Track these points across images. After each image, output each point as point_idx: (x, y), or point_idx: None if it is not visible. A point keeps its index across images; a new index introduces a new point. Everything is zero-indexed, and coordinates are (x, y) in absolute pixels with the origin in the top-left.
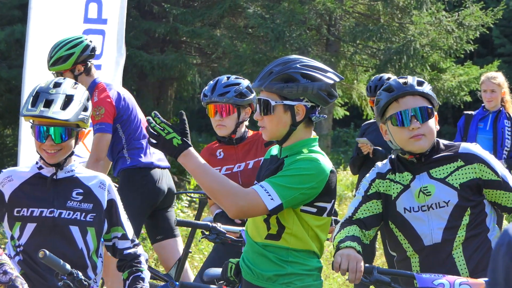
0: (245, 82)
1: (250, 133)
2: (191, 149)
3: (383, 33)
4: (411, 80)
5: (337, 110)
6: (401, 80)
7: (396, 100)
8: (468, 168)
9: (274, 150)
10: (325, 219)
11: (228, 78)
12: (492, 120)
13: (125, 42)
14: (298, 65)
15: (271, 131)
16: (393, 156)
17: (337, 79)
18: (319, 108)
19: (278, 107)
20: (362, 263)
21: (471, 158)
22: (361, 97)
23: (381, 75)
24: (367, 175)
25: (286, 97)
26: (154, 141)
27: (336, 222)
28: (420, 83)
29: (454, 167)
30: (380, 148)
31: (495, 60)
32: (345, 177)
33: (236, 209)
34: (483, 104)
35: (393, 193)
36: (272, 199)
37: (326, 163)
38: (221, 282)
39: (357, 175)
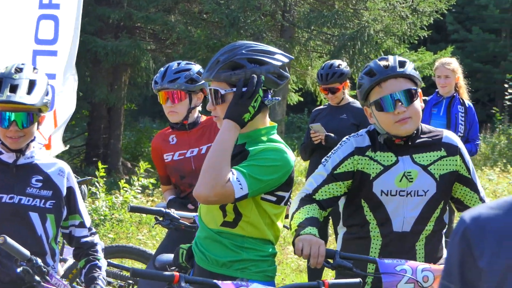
0: (196, 68)
1: (203, 118)
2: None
3: (337, 19)
4: (392, 61)
5: (291, 96)
6: (382, 63)
7: (379, 84)
8: (450, 160)
9: None
10: (282, 208)
11: (178, 64)
12: (446, 105)
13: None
14: (244, 51)
15: None
16: (371, 129)
17: (286, 60)
18: (271, 91)
19: (229, 95)
20: (324, 248)
21: (454, 150)
22: (315, 83)
23: (332, 62)
24: (340, 148)
25: (235, 84)
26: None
27: None
28: (402, 64)
29: (437, 156)
30: (332, 134)
31: (449, 46)
32: (299, 162)
33: (205, 192)
34: (437, 90)
35: (372, 172)
36: (241, 188)
37: (290, 154)
38: (173, 268)
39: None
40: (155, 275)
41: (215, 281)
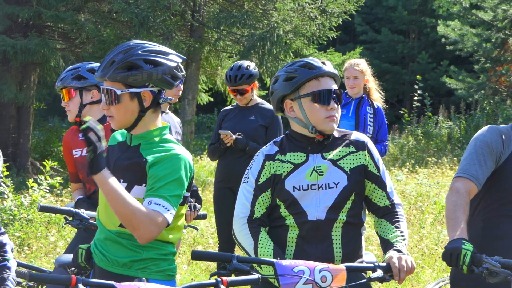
0: (90, 65)
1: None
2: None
3: (247, 19)
4: (328, 63)
5: (201, 96)
6: (319, 61)
7: (317, 78)
8: (359, 154)
9: (119, 135)
10: (185, 207)
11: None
12: (355, 107)
13: None
14: (139, 52)
15: (119, 120)
16: (279, 139)
17: (180, 60)
18: (164, 91)
19: (124, 96)
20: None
21: (361, 146)
22: (225, 83)
23: (240, 63)
24: (253, 162)
25: (131, 85)
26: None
27: (196, 207)
28: (333, 67)
29: (346, 152)
30: (241, 137)
31: (357, 47)
32: (209, 163)
33: (151, 237)
34: (345, 91)
35: (283, 172)
36: (169, 212)
37: (187, 155)
38: (73, 268)
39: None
40: (52, 279)
41: (112, 282)
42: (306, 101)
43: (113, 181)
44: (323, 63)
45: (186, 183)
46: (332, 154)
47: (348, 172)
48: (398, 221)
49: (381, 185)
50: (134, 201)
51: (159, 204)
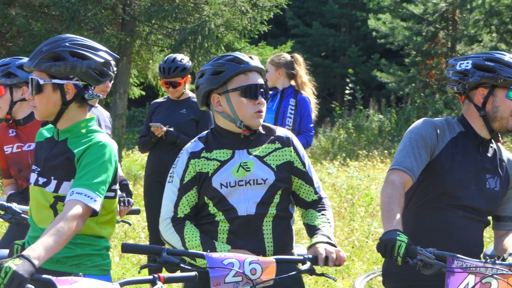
0: (19, 61)
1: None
2: (31, 252)
3: (178, 13)
4: (255, 58)
5: (133, 89)
6: (245, 55)
7: (245, 72)
8: (284, 151)
9: (45, 132)
10: (116, 201)
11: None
12: (279, 99)
13: None
14: (67, 44)
15: (41, 111)
16: (204, 135)
17: (110, 58)
18: (92, 87)
19: (47, 86)
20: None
21: (286, 142)
22: (157, 77)
23: (174, 55)
24: (178, 161)
25: (54, 75)
26: None
27: (130, 202)
28: (260, 63)
29: (272, 148)
30: (172, 129)
31: (289, 40)
32: (140, 157)
33: (78, 230)
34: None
35: (210, 170)
36: (95, 200)
37: (113, 144)
38: None
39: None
40: None
41: (49, 277)
42: (234, 95)
43: (43, 253)
44: (250, 57)
45: (111, 170)
46: (258, 150)
47: (275, 169)
48: (325, 209)
49: (308, 180)
50: (56, 230)
51: (81, 193)
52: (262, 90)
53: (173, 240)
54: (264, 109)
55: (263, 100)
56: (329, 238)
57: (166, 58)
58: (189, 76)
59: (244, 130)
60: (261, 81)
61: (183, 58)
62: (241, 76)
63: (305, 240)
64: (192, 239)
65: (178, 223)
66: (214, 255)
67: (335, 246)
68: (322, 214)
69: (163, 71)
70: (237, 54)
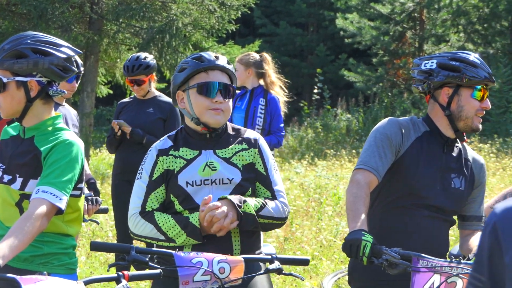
0: None
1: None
2: None
3: (145, 12)
4: (221, 56)
5: (101, 88)
6: (213, 55)
7: (206, 71)
8: (250, 151)
9: (11, 129)
10: (82, 199)
11: None
12: (248, 99)
13: None
14: (29, 41)
15: (6, 109)
16: (173, 133)
17: (72, 53)
18: (56, 83)
19: (11, 84)
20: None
21: (253, 143)
22: (125, 76)
23: (138, 54)
24: (146, 158)
25: (17, 73)
26: None
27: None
28: (228, 63)
29: (238, 148)
30: (138, 129)
31: (257, 40)
32: (108, 155)
33: (43, 229)
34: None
35: (176, 167)
36: (60, 198)
37: (79, 142)
38: None
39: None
40: None
41: (13, 276)
42: (193, 92)
43: (7, 252)
44: (216, 57)
45: (78, 169)
46: (225, 150)
47: (241, 169)
48: (270, 200)
49: (267, 185)
50: (21, 229)
51: (47, 192)
52: (221, 88)
53: (145, 230)
54: (225, 107)
55: (221, 98)
56: (240, 201)
57: (130, 56)
58: (154, 74)
59: (202, 127)
60: (225, 80)
61: (147, 56)
62: (202, 74)
63: (272, 239)
64: (165, 221)
65: (146, 214)
66: (183, 253)
67: (241, 214)
68: (264, 199)
69: (127, 69)
70: (204, 53)
